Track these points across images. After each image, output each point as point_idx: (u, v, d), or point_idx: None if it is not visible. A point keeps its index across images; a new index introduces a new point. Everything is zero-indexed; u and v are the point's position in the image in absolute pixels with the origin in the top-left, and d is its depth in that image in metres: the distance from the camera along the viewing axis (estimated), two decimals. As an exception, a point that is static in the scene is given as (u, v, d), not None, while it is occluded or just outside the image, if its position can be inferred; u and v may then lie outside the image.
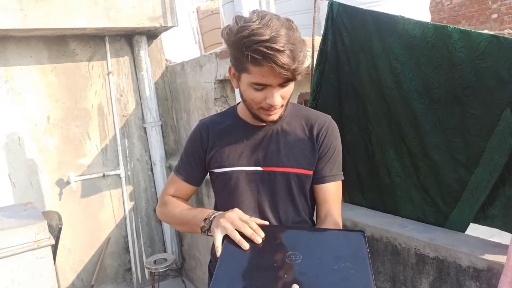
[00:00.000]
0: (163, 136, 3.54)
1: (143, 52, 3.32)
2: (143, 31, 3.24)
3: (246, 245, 0.96)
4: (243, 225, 0.99)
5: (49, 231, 1.90)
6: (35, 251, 1.80)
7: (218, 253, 0.97)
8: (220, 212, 1.08)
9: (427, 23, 1.51)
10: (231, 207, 1.09)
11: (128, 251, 3.49)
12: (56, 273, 2.13)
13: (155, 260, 3.25)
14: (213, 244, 1.02)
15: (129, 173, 3.45)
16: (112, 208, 3.40)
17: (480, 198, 1.47)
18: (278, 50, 0.95)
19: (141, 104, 3.43)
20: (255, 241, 0.97)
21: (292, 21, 1.04)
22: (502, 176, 1.40)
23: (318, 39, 1.92)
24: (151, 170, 3.54)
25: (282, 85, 1.04)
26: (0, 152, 2.94)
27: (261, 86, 1.04)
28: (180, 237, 3.65)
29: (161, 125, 3.52)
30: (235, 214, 1.03)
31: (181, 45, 5.28)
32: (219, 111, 1.78)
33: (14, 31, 2.72)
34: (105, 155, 3.34)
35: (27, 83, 3.00)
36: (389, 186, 1.78)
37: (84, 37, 3.17)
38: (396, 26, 1.57)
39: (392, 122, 1.69)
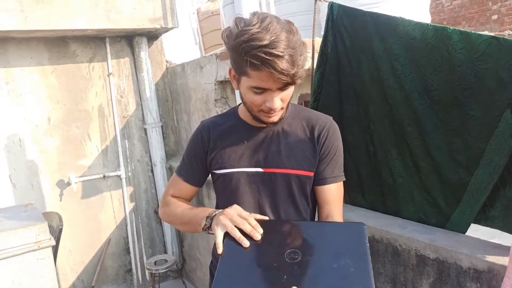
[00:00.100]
0: (163, 137, 3.54)
1: (144, 53, 3.32)
2: (143, 32, 3.25)
3: (246, 243, 0.96)
4: (242, 221, 0.99)
5: (50, 232, 1.91)
6: (35, 252, 1.80)
7: (219, 251, 0.97)
8: (220, 210, 1.09)
9: (427, 24, 1.51)
10: None
11: (129, 252, 3.49)
12: (57, 274, 2.13)
13: (155, 261, 3.25)
14: (215, 245, 1.03)
15: (129, 174, 3.45)
16: (113, 209, 3.40)
17: (480, 199, 1.47)
18: (277, 56, 0.95)
19: (141, 105, 3.44)
20: (254, 238, 0.97)
21: (293, 24, 1.03)
22: (502, 177, 1.41)
23: (318, 41, 1.92)
24: (152, 171, 3.54)
25: (282, 89, 1.04)
26: (1, 153, 2.95)
27: (261, 90, 1.04)
28: (180, 238, 3.65)
29: (162, 126, 3.52)
30: (234, 210, 1.04)
31: (181, 46, 5.30)
32: (219, 112, 1.78)
33: (14, 33, 2.73)
34: (105, 156, 3.34)
35: (27, 85, 3.00)
36: (391, 186, 1.78)
37: (84, 38, 3.17)
38: (396, 28, 1.57)
39: (395, 122, 1.69)
